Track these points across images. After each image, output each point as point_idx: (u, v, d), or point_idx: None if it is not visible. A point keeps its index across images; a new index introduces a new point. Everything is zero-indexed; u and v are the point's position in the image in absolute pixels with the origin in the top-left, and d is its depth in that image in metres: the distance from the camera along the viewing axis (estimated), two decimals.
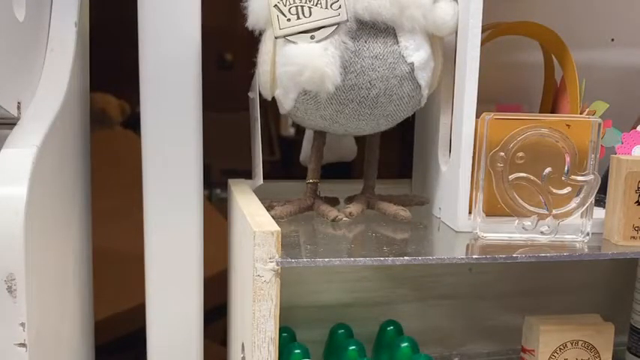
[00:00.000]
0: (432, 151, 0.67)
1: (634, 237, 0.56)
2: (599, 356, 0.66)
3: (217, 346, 0.85)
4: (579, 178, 0.55)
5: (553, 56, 0.70)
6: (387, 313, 0.76)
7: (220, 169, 0.92)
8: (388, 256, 0.50)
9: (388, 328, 0.73)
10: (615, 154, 0.60)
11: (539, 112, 0.73)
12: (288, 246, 0.53)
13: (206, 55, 0.62)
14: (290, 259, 0.48)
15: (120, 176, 0.82)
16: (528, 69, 0.74)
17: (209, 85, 0.65)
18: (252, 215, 0.53)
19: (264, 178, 0.62)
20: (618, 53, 0.80)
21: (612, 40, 0.80)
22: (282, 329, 0.72)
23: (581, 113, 0.64)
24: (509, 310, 0.79)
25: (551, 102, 0.71)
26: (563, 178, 0.55)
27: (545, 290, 0.81)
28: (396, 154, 0.87)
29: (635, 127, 0.62)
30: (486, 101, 0.65)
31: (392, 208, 0.62)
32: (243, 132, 0.69)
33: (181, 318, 0.66)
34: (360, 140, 0.72)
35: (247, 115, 0.67)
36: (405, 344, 0.68)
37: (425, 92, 0.59)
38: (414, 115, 0.73)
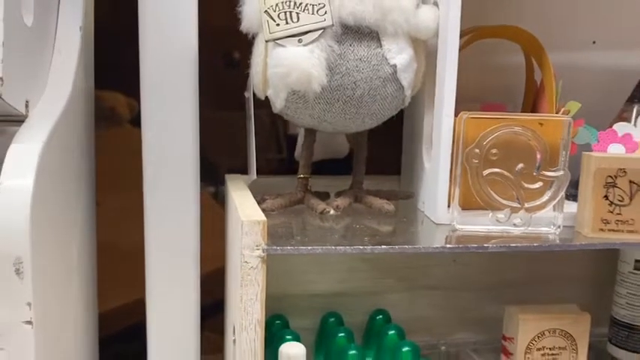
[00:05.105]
0: (417, 148, 0.71)
1: (602, 229, 0.59)
2: (575, 344, 0.69)
3: (215, 336, 0.88)
4: (549, 173, 0.58)
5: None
6: (376, 302, 0.79)
7: (228, 168, 0.96)
8: (368, 246, 0.54)
9: (377, 317, 0.77)
10: (591, 151, 0.63)
11: (522, 111, 0.76)
12: (278, 235, 0.56)
13: (214, 53, 0.63)
14: (275, 247, 0.52)
15: (129, 172, 0.85)
16: (512, 70, 0.77)
17: (217, 83, 0.66)
18: (242, 206, 0.56)
19: (271, 175, 0.64)
20: (600, 55, 0.82)
21: (594, 42, 0.82)
22: (275, 317, 0.75)
23: (557, 112, 0.67)
24: (493, 301, 0.82)
25: (532, 102, 0.74)
26: (534, 173, 0.58)
27: (528, 282, 0.83)
28: (386, 151, 0.89)
29: (611, 126, 0.64)
30: (472, 101, 0.68)
31: (377, 202, 0.66)
32: None
33: (180, 310, 0.68)
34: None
35: (258, 114, 0.69)
36: (392, 332, 0.71)
37: (408, 92, 0.62)
38: (403, 114, 0.77)
